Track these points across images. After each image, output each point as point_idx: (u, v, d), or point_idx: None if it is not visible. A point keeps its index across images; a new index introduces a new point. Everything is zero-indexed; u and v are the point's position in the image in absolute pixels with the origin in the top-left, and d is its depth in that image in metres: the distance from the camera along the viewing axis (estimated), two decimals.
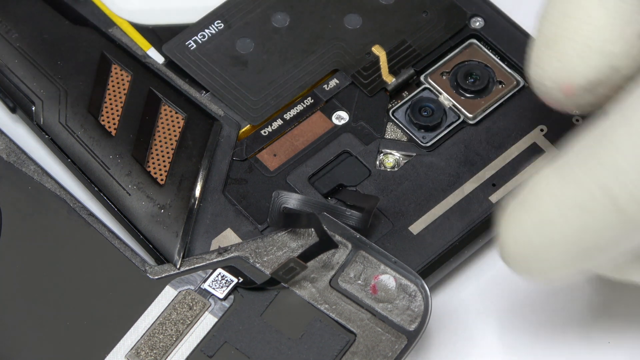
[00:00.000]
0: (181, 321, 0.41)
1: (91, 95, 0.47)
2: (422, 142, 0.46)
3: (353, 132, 0.46)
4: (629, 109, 0.33)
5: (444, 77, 0.47)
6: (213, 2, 0.49)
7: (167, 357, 0.41)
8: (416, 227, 0.44)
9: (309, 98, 0.47)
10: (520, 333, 0.44)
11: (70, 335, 0.42)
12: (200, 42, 0.48)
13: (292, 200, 0.43)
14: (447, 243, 0.44)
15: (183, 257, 0.43)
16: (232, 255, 0.43)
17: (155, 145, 0.46)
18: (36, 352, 0.41)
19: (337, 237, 0.42)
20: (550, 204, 0.34)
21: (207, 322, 0.42)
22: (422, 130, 0.46)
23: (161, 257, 0.44)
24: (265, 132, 0.46)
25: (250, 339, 0.41)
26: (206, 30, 0.48)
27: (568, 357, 0.43)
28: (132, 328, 0.41)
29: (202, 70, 0.47)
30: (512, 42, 0.48)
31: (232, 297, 0.42)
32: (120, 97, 0.47)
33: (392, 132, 0.46)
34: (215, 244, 0.44)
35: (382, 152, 0.46)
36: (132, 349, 0.41)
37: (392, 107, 0.47)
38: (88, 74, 0.47)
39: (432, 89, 0.47)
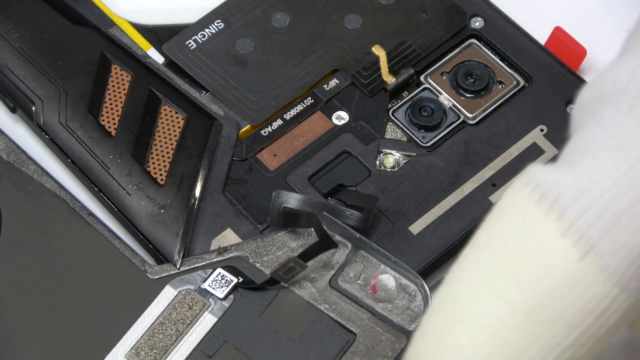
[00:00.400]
0: (181, 321, 0.41)
1: (91, 95, 0.47)
2: (422, 142, 0.46)
3: (353, 132, 0.46)
4: None
5: (444, 77, 0.47)
6: (213, 2, 0.49)
7: (167, 357, 0.41)
8: (416, 227, 0.44)
9: (309, 98, 0.47)
10: None
11: (70, 334, 0.42)
12: (200, 41, 0.48)
13: (292, 200, 0.43)
14: (447, 243, 0.44)
15: (183, 257, 0.43)
16: (232, 255, 0.43)
17: (155, 145, 0.46)
18: (36, 351, 0.41)
19: (337, 237, 0.42)
20: None
21: (207, 321, 0.42)
22: (422, 130, 0.46)
23: (161, 257, 0.44)
24: (265, 132, 0.46)
25: (250, 339, 0.41)
26: (206, 30, 0.48)
27: None
28: (132, 328, 0.41)
29: (202, 70, 0.47)
30: (512, 42, 0.48)
31: (232, 296, 0.42)
32: (120, 97, 0.47)
33: (392, 132, 0.46)
34: (215, 244, 0.44)
35: (382, 152, 0.46)
36: (132, 348, 0.41)
37: (392, 107, 0.47)
38: (88, 74, 0.47)
39: (432, 89, 0.47)
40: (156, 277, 0.43)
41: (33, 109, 0.47)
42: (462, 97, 0.47)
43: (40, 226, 0.44)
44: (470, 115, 0.46)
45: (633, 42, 0.33)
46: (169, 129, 0.46)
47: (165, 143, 0.46)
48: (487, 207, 0.44)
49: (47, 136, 0.46)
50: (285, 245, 0.43)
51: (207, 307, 0.42)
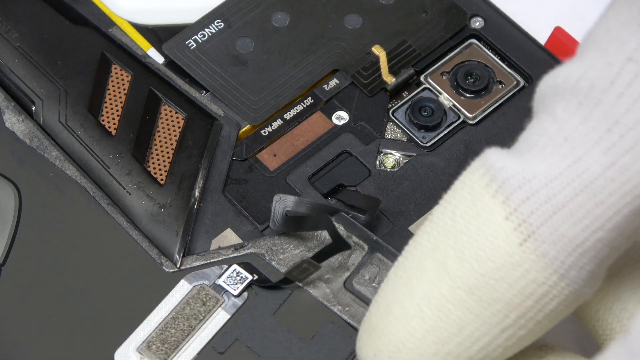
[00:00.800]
0: (194, 316, 0.41)
1: (91, 95, 0.47)
2: (422, 142, 0.46)
3: (353, 132, 0.46)
4: None
5: (444, 77, 0.47)
6: (213, 2, 0.49)
7: (178, 352, 0.41)
8: (416, 227, 0.44)
9: (309, 98, 0.47)
10: None
11: (83, 324, 0.41)
12: (200, 41, 0.48)
13: (295, 204, 0.43)
14: None
15: (183, 257, 0.43)
16: (248, 251, 0.43)
17: (155, 145, 0.46)
18: (48, 338, 0.41)
19: (354, 239, 0.42)
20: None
21: (219, 318, 0.41)
22: (422, 130, 0.46)
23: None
24: (265, 132, 0.46)
25: (262, 338, 0.41)
26: (206, 30, 0.48)
27: None
28: (145, 321, 0.41)
29: (202, 69, 0.47)
30: (512, 42, 0.48)
31: (245, 294, 0.42)
32: (120, 97, 0.47)
33: (392, 132, 0.46)
34: (215, 243, 0.44)
35: (382, 152, 0.46)
36: (143, 342, 0.41)
37: (392, 107, 0.47)
38: (88, 74, 0.47)
39: (432, 89, 0.47)
40: (172, 270, 0.42)
41: (33, 108, 0.47)
42: (462, 97, 0.47)
43: (59, 213, 0.44)
44: (470, 115, 0.46)
45: (588, 43, 0.34)
46: (169, 129, 0.46)
47: (166, 143, 0.46)
48: None
49: (47, 136, 0.46)
50: (302, 244, 0.43)
51: (220, 304, 0.42)
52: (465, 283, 0.34)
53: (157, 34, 0.49)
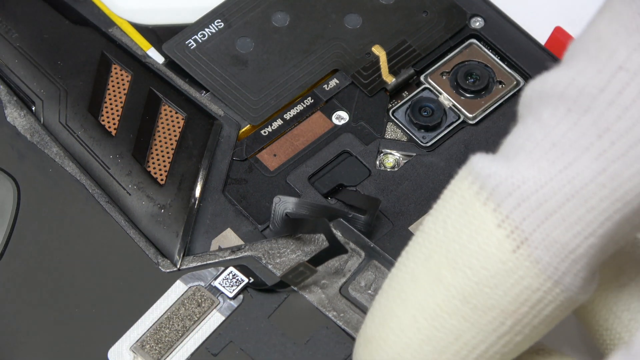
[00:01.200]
0: (188, 317, 0.41)
1: (91, 95, 0.47)
2: (422, 142, 0.46)
3: (353, 132, 0.46)
4: None
5: (444, 77, 0.47)
6: (213, 2, 0.49)
7: (171, 352, 0.41)
8: (416, 227, 0.44)
9: (309, 98, 0.47)
10: None
11: (78, 322, 0.41)
12: (200, 41, 0.48)
13: (294, 205, 0.43)
14: None
15: (183, 257, 0.43)
16: (245, 254, 0.43)
17: (156, 145, 0.46)
18: (43, 335, 0.41)
19: (351, 245, 0.42)
20: None
21: (214, 320, 0.41)
22: (422, 130, 0.46)
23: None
24: (265, 132, 0.46)
25: (256, 341, 0.41)
26: (206, 30, 0.48)
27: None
28: (139, 320, 0.41)
29: (201, 69, 0.47)
30: (512, 42, 0.48)
31: (241, 296, 0.42)
32: (120, 97, 0.47)
33: (392, 132, 0.46)
34: (215, 244, 0.44)
35: (382, 152, 0.46)
36: (137, 341, 0.41)
37: (392, 107, 0.47)
38: (88, 74, 0.47)
39: (432, 89, 0.47)
40: (168, 270, 0.43)
41: (33, 109, 0.47)
42: (462, 97, 0.47)
43: (57, 209, 0.44)
44: (470, 115, 0.46)
45: (576, 50, 0.34)
46: (169, 129, 0.46)
47: (166, 143, 0.46)
48: None
49: (47, 132, 0.46)
50: (299, 249, 0.43)
51: (215, 305, 0.42)
52: (459, 292, 0.34)
53: (157, 34, 0.49)
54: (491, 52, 0.48)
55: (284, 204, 0.43)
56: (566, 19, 0.50)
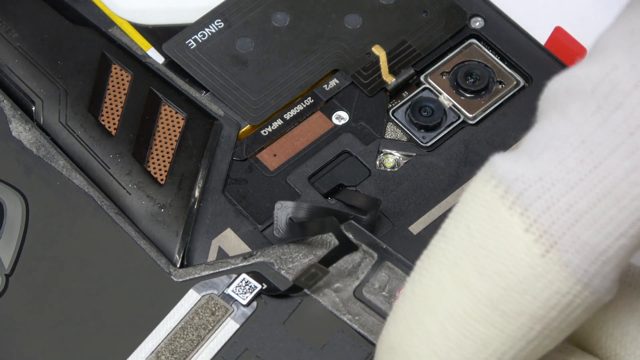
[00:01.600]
0: (203, 326, 0.41)
1: (91, 95, 0.47)
2: (422, 142, 0.46)
3: (353, 132, 0.46)
4: None
5: (444, 77, 0.47)
6: (213, 2, 0.49)
7: None
8: (416, 227, 0.44)
9: (309, 98, 0.47)
10: None
11: (92, 334, 0.41)
12: (200, 41, 0.48)
13: (296, 210, 0.43)
14: None
15: (183, 257, 0.43)
16: (257, 260, 0.42)
17: (156, 145, 0.46)
18: (57, 349, 0.41)
19: (364, 247, 0.42)
20: None
21: (228, 328, 0.41)
22: (422, 130, 0.46)
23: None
24: (265, 132, 0.46)
25: (271, 347, 0.40)
26: (206, 29, 0.48)
27: None
28: (153, 331, 0.41)
29: (201, 69, 0.47)
30: (512, 42, 0.48)
31: (255, 303, 0.41)
32: (120, 97, 0.47)
33: (392, 132, 0.46)
34: (215, 243, 0.44)
35: (382, 152, 0.46)
36: (152, 352, 0.40)
37: (392, 107, 0.47)
38: (88, 74, 0.47)
39: (432, 89, 0.47)
40: (180, 280, 0.42)
41: (33, 108, 0.47)
42: (462, 97, 0.47)
43: (66, 222, 0.43)
44: (470, 115, 0.46)
45: (606, 44, 0.33)
46: (169, 129, 0.46)
47: (166, 143, 0.46)
48: None
49: (47, 136, 0.46)
50: (311, 253, 0.42)
51: (229, 313, 0.41)
52: (488, 298, 0.33)
53: (157, 34, 0.49)
54: (491, 52, 0.48)
55: (286, 209, 0.43)
56: (566, 19, 0.50)
